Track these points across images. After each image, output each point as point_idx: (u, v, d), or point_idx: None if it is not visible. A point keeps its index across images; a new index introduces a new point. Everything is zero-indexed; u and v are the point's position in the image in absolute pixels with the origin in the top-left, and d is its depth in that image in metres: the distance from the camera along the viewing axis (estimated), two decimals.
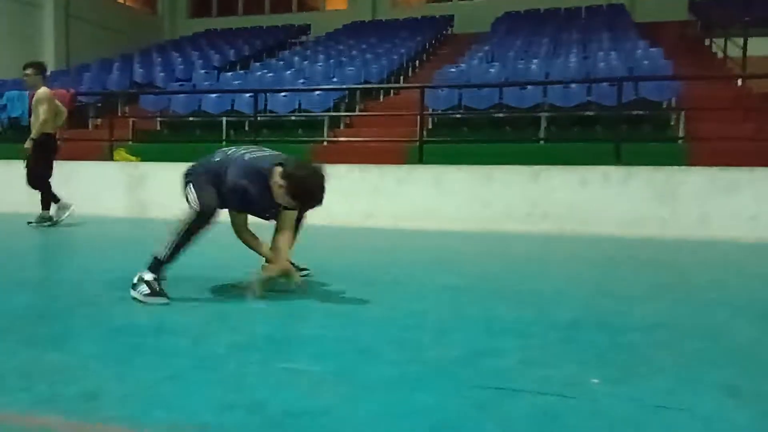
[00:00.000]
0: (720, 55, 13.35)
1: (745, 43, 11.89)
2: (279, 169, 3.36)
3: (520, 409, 1.83)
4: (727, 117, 9.28)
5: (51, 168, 7.15)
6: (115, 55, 17.13)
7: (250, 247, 3.62)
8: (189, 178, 3.55)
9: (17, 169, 7.34)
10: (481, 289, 3.89)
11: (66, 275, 4.14)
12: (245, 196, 3.40)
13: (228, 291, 3.60)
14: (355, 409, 1.82)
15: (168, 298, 3.23)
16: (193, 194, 3.44)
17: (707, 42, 14.85)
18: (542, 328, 2.84)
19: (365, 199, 7.89)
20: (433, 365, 2.26)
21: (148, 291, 3.23)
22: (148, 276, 3.28)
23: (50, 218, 6.99)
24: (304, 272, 3.92)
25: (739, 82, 11.28)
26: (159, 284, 3.28)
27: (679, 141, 8.80)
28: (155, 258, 3.32)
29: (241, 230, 3.60)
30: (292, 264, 3.68)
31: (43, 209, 7.05)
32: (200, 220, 3.34)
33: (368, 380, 2.08)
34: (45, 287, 3.84)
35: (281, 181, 3.32)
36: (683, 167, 7.15)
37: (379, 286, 3.84)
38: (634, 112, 9.04)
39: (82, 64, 16.16)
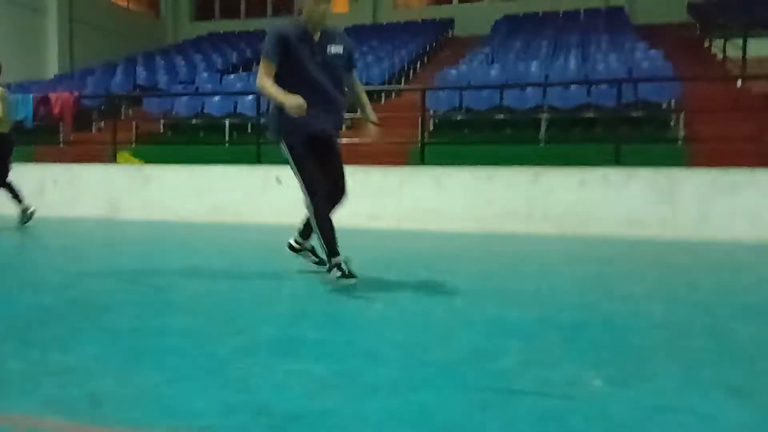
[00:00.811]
0: (719, 56, 13.36)
1: (745, 44, 11.91)
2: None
3: (523, 411, 1.84)
4: (726, 118, 9.29)
5: (8, 167, 7.12)
6: (118, 58, 17.18)
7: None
8: (286, 150, 3.89)
9: (20, 172, 7.37)
10: (483, 290, 3.90)
11: (69, 277, 4.15)
12: None
13: (229, 289, 3.62)
14: (359, 410, 1.84)
15: (356, 277, 3.71)
16: (298, 179, 3.83)
17: (706, 43, 14.87)
18: (544, 329, 2.85)
19: (369, 201, 7.91)
20: (437, 366, 2.28)
21: (339, 274, 3.70)
22: (336, 260, 3.74)
23: (28, 208, 7.04)
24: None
25: (739, 82, 11.29)
26: (347, 266, 3.74)
27: (679, 142, 8.81)
28: (327, 255, 3.78)
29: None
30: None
31: (18, 205, 7.09)
32: (318, 205, 3.76)
33: (372, 382, 2.09)
34: (48, 289, 3.86)
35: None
36: (683, 168, 7.16)
37: (382, 288, 3.85)
38: (634, 114, 9.07)
39: (86, 67, 16.21)
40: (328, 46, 3.81)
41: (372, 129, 4.09)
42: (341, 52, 3.86)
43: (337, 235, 3.85)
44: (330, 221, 3.81)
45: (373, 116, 4.04)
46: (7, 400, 1.89)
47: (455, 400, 1.94)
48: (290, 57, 3.71)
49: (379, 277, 4.25)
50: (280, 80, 3.69)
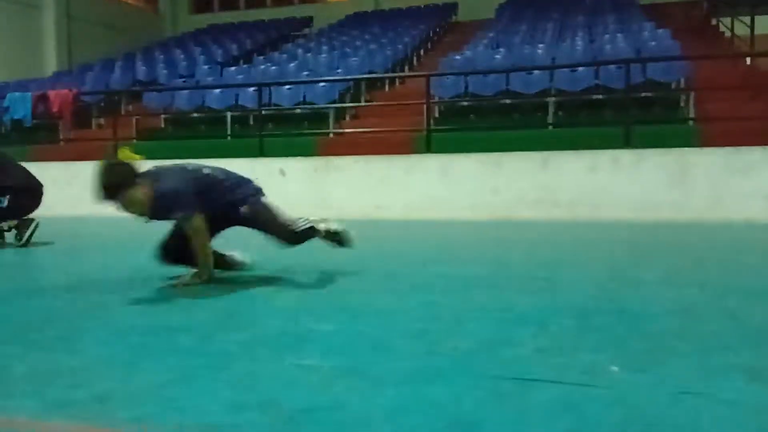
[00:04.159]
0: (727, 34, 13.21)
1: (753, 22, 11.76)
2: None
3: (539, 399, 1.78)
4: (736, 96, 9.17)
5: None
6: (117, 53, 17.12)
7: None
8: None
9: None
10: (494, 278, 3.84)
11: (72, 277, 4.11)
12: None
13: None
14: (370, 403, 1.78)
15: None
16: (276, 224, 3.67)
17: (714, 21, 14.69)
18: (558, 316, 2.79)
19: (373, 191, 7.85)
20: (448, 357, 2.21)
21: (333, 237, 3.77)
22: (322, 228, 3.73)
23: None
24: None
25: (748, 60, 11.15)
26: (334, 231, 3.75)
27: (690, 122, 8.70)
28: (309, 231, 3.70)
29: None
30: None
31: None
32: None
33: (382, 374, 2.03)
34: (51, 289, 3.82)
35: None
36: (695, 148, 7.07)
37: (389, 278, 3.80)
38: (643, 94, 8.95)
39: (85, 64, 16.15)
40: None
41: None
42: None
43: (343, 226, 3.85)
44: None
45: None
46: (12, 402, 1.84)
47: (469, 390, 1.87)
48: None
49: (387, 268, 4.20)
50: None
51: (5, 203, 5.40)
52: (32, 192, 5.61)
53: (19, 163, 5.73)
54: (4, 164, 5.55)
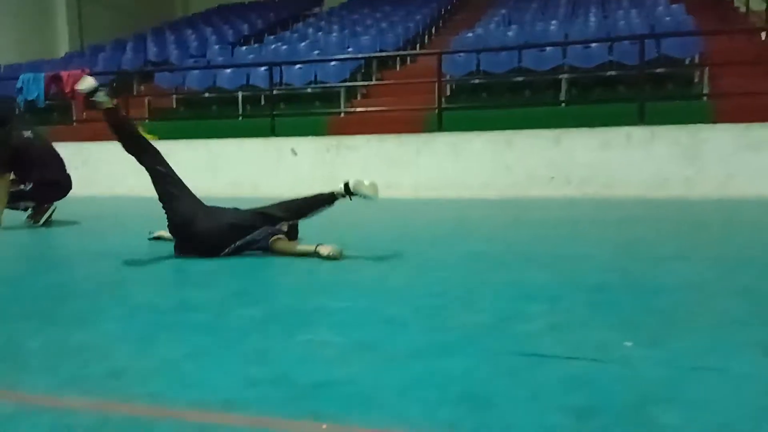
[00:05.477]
0: (742, 9, 13.00)
1: None
2: None
3: (552, 375, 1.78)
4: (751, 72, 9.03)
5: None
6: (128, 34, 17.07)
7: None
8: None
9: None
10: (506, 255, 3.83)
11: (86, 255, 4.14)
12: None
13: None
14: (381, 378, 1.78)
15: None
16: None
17: None
18: (570, 292, 2.78)
19: (385, 170, 7.82)
20: (461, 332, 2.21)
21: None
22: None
23: None
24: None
25: (763, 35, 10.97)
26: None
27: (704, 98, 8.59)
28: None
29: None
30: None
31: None
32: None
33: (394, 349, 2.04)
34: (65, 267, 3.85)
35: None
36: (708, 125, 6.99)
37: (401, 256, 3.80)
38: (657, 70, 8.84)
39: (96, 44, 16.12)
40: None
41: None
42: None
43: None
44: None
45: None
46: (27, 378, 1.86)
47: (481, 365, 1.88)
48: None
49: (398, 246, 4.19)
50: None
51: (29, 188, 5.49)
52: (60, 187, 5.73)
53: (58, 153, 5.78)
54: (43, 157, 5.61)
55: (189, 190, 3.92)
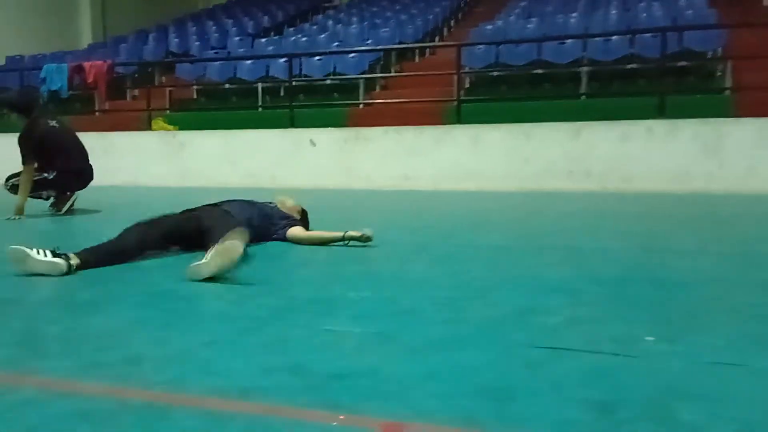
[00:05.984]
0: (766, 2, 12.81)
1: None
2: None
3: (572, 368, 1.76)
4: None
5: None
6: (150, 25, 17.16)
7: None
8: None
9: None
10: (525, 248, 3.81)
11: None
12: None
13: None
14: (400, 370, 1.77)
15: None
16: None
17: None
18: (590, 286, 2.76)
19: (403, 161, 7.82)
20: (480, 325, 2.20)
21: None
22: None
23: None
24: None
25: None
26: None
27: (726, 92, 8.48)
28: None
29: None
30: None
31: None
32: None
33: (413, 341, 2.03)
34: None
35: None
36: (730, 119, 6.90)
37: (419, 247, 3.79)
38: (679, 64, 8.73)
39: (119, 35, 16.24)
40: None
41: None
42: None
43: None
44: None
45: None
46: (46, 363, 1.88)
47: (500, 358, 1.86)
48: None
49: (416, 237, 4.18)
50: None
51: (51, 176, 5.55)
52: (82, 176, 5.79)
53: (81, 143, 5.83)
54: (67, 146, 5.67)
55: (202, 207, 3.85)
